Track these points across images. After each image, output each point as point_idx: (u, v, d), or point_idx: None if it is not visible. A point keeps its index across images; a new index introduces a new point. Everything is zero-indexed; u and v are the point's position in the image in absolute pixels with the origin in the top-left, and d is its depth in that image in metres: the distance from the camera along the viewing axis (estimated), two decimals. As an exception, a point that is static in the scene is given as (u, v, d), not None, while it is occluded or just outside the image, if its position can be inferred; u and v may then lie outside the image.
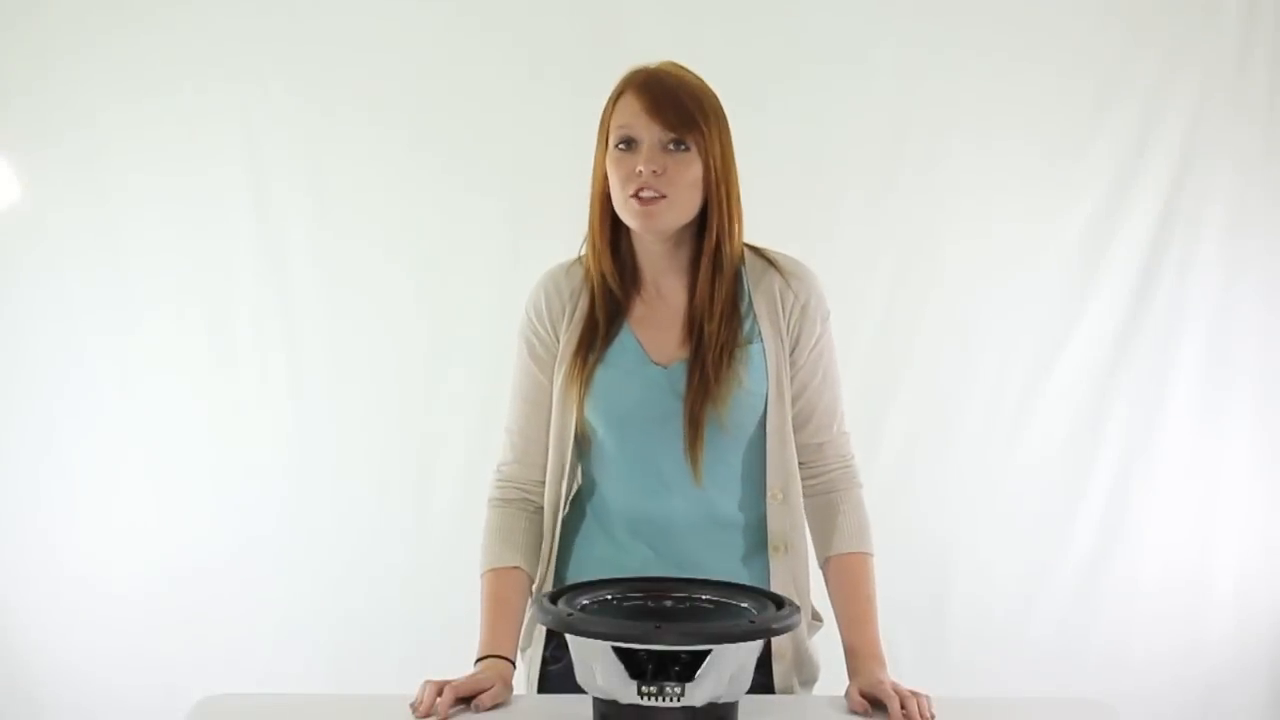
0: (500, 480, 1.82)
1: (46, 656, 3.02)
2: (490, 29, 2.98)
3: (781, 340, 1.75)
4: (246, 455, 3.02)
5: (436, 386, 3.01)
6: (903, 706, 1.57)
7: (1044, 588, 3.06)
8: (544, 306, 1.79)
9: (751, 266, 1.78)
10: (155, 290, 3.00)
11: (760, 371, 1.74)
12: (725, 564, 1.75)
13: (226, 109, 2.97)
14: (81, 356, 3.00)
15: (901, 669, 1.72)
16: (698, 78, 1.73)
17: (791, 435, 1.76)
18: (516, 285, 1.87)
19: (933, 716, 1.57)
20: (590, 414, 1.74)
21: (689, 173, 1.68)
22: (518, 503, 1.80)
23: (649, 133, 1.67)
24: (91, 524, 3.02)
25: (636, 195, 1.66)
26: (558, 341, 1.78)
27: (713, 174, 1.70)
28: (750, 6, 2.99)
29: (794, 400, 1.76)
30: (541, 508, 1.81)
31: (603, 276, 1.75)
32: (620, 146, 1.69)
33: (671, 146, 1.67)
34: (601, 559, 1.77)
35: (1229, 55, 2.97)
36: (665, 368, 1.74)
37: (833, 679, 1.75)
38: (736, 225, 1.74)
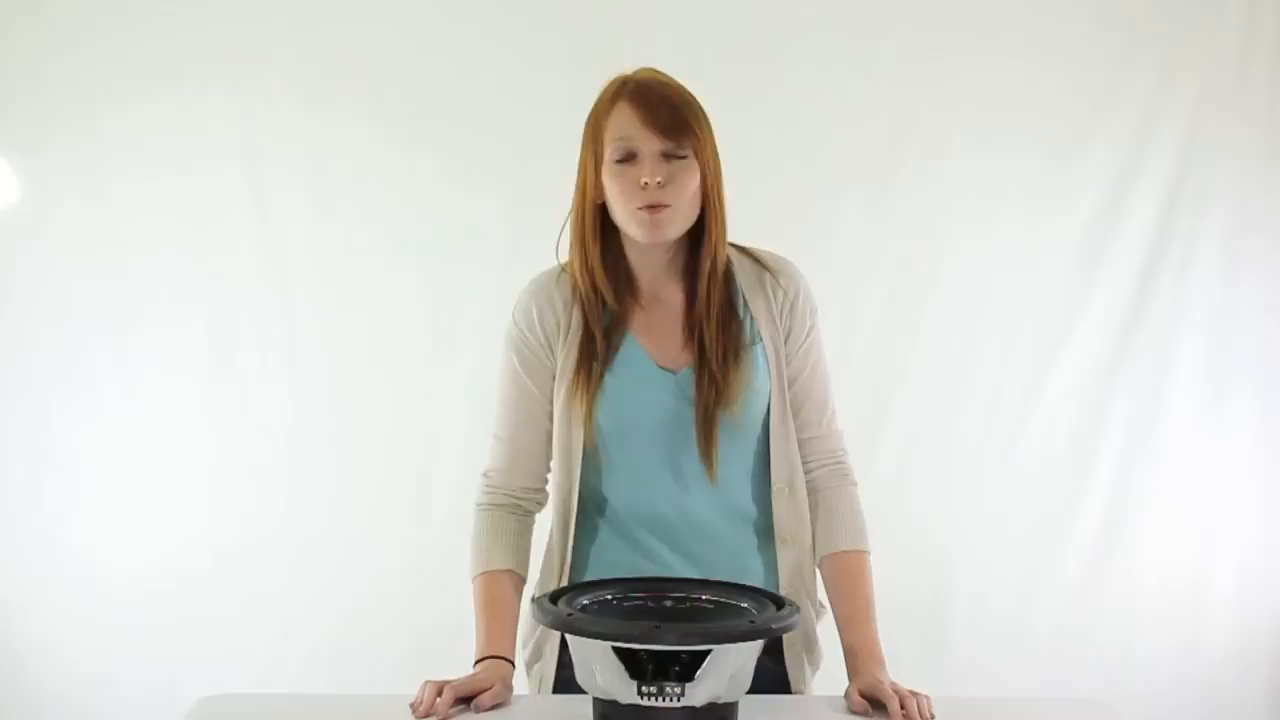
0: (489, 486, 1.81)
1: (46, 656, 3.02)
2: (488, 31, 2.98)
3: (779, 335, 1.77)
4: (246, 455, 3.02)
5: (436, 387, 3.01)
6: (902, 706, 1.57)
7: (1044, 588, 3.07)
8: (536, 319, 1.77)
9: (740, 267, 1.79)
10: (155, 290, 3.00)
11: (764, 371, 1.75)
12: (739, 558, 1.77)
13: (227, 110, 2.97)
14: (82, 356, 3.00)
15: (901, 669, 1.72)
16: (679, 83, 1.72)
17: (794, 430, 1.77)
18: (516, 286, 1.86)
19: (933, 717, 1.57)
20: (602, 423, 1.74)
21: (691, 180, 1.68)
22: (507, 508, 1.80)
23: (648, 143, 1.66)
24: (91, 524, 3.02)
25: (644, 207, 1.66)
26: (552, 354, 1.77)
27: (709, 179, 1.70)
28: (750, 7, 2.99)
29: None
30: (531, 513, 1.82)
31: (594, 287, 1.75)
32: (620, 160, 1.68)
33: (671, 155, 1.67)
34: (617, 562, 1.77)
35: (1229, 57, 2.97)
36: (675, 373, 1.75)
37: (833, 673, 1.76)
38: (725, 227, 1.74)
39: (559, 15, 2.97)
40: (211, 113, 2.96)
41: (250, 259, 3.00)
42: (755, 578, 1.74)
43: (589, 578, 1.78)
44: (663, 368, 1.75)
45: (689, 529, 1.75)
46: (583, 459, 1.76)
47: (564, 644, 1.77)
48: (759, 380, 1.74)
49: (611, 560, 1.78)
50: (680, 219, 1.69)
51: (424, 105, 2.98)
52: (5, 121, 2.98)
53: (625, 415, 1.74)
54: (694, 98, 1.71)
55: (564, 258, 1.79)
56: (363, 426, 3.03)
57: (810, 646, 1.82)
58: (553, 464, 1.79)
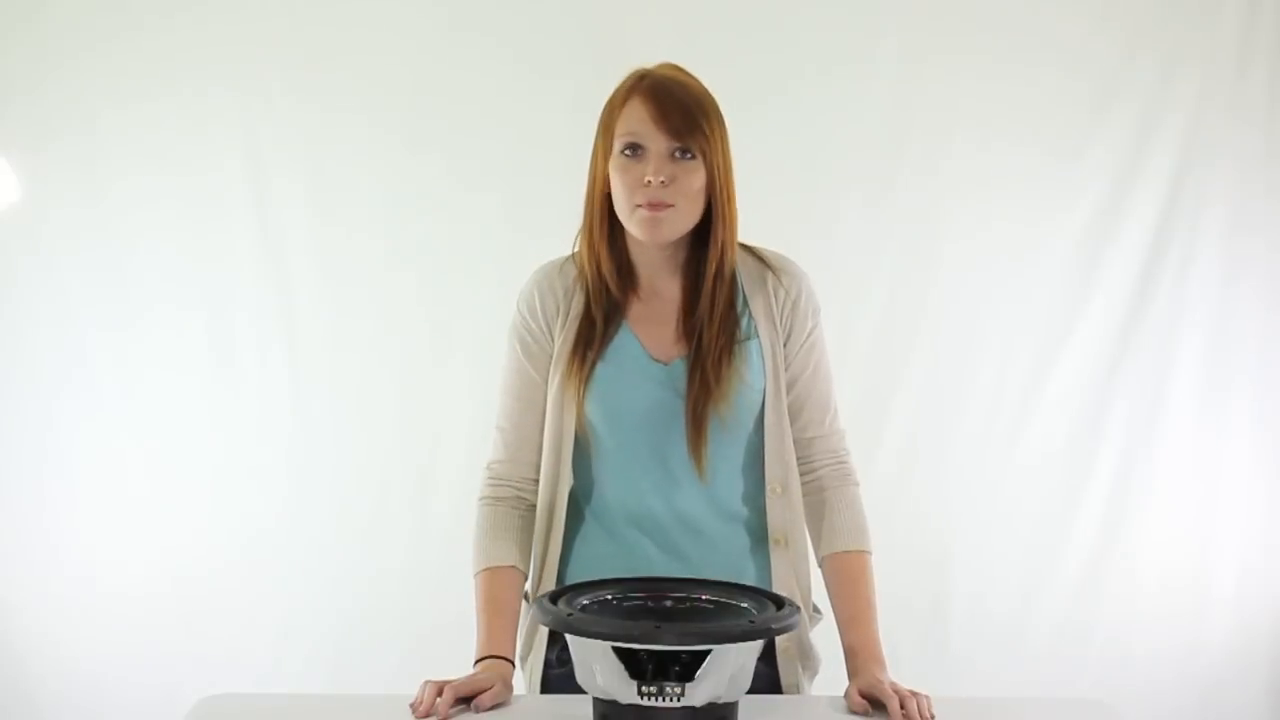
0: (492, 478, 1.81)
1: (46, 656, 3.02)
2: (488, 31, 2.98)
3: (777, 335, 1.77)
4: (246, 455, 3.02)
5: (436, 386, 3.01)
6: (902, 706, 1.57)
7: (1044, 588, 3.07)
8: (538, 304, 1.78)
9: (744, 264, 1.79)
10: (155, 290, 2.99)
11: (759, 367, 1.75)
12: (728, 558, 1.77)
13: (227, 110, 2.96)
14: (82, 357, 3.00)
15: (901, 669, 1.72)
16: (698, 81, 1.73)
17: (789, 430, 1.77)
18: (516, 284, 1.87)
19: (933, 717, 1.57)
20: (591, 412, 1.74)
21: (695, 181, 1.68)
22: (510, 500, 1.80)
23: (656, 141, 1.67)
24: (91, 524, 3.02)
25: (645, 204, 1.67)
26: (552, 340, 1.78)
27: (716, 181, 1.70)
28: (750, 7, 2.99)
29: (785, 392, 1.77)
30: (534, 505, 1.81)
31: (599, 275, 1.75)
32: (626, 153, 1.68)
33: (678, 155, 1.67)
34: (603, 558, 1.76)
35: (1229, 56, 2.97)
36: (666, 365, 1.75)
37: (833, 674, 1.75)
38: (734, 230, 1.74)
39: (559, 16, 2.97)
40: (211, 113, 2.96)
41: (250, 259, 3.00)
42: (748, 581, 1.73)
43: (571, 572, 1.78)
44: (654, 359, 1.75)
45: (680, 527, 1.75)
46: (574, 448, 1.76)
47: (551, 641, 1.77)
48: (752, 376, 1.74)
49: (597, 555, 1.77)
50: (681, 220, 1.69)
51: (424, 105, 2.98)
52: (5, 121, 2.98)
53: (613, 403, 1.74)
54: (710, 98, 1.71)
55: (576, 246, 1.80)
56: (363, 426, 3.03)
57: (805, 652, 1.81)
58: (543, 451, 1.78)
